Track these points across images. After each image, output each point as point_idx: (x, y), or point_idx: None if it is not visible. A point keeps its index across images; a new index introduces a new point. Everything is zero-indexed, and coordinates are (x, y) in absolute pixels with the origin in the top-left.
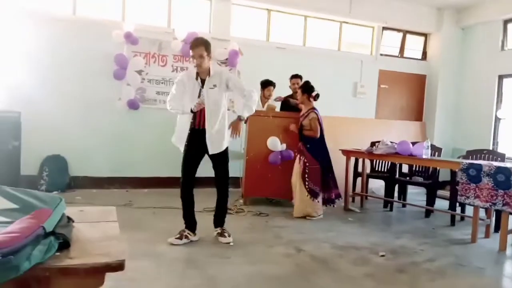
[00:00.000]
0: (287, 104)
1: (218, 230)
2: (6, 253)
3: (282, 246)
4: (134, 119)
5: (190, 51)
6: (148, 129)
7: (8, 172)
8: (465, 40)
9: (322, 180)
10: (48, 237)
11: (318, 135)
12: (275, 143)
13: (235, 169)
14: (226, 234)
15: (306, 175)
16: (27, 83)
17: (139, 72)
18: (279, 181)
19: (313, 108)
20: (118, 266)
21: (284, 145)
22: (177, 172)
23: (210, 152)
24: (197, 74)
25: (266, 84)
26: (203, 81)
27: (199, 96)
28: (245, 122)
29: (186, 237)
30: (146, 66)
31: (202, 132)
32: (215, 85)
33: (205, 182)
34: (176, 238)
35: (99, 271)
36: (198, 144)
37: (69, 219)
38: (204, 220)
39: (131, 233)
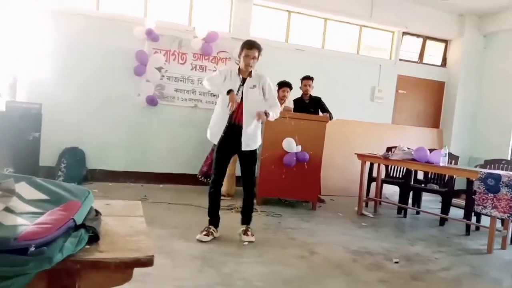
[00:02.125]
0: (300, 105)
1: (243, 227)
2: (40, 244)
3: (295, 247)
4: (152, 115)
5: (244, 50)
6: (165, 126)
7: (27, 162)
8: (487, 48)
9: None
10: (78, 229)
11: None
12: (291, 145)
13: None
14: (249, 233)
15: None
16: (49, 76)
17: (159, 69)
18: (293, 183)
19: None
20: (147, 262)
21: (300, 147)
22: (191, 169)
23: (243, 148)
24: (239, 71)
25: (281, 85)
26: (243, 80)
27: (237, 91)
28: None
29: (212, 233)
30: (166, 63)
31: (239, 128)
32: (254, 85)
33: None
34: (204, 235)
35: (129, 266)
36: (233, 140)
37: (97, 212)
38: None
39: (147, 228)
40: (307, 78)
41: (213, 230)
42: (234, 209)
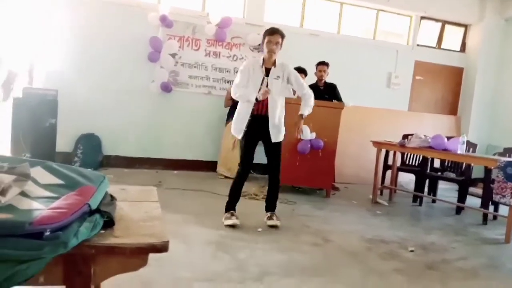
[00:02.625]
0: (315, 92)
1: (268, 214)
2: (55, 228)
3: (309, 235)
4: (166, 102)
5: (267, 36)
6: (180, 113)
7: (44, 148)
8: (508, 32)
9: None
10: (93, 214)
11: None
12: (305, 132)
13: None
14: (274, 218)
15: None
16: (64, 62)
17: (173, 55)
18: (307, 170)
19: None
20: (162, 248)
21: (314, 134)
22: (205, 156)
23: (273, 140)
24: (263, 62)
25: (297, 71)
26: (267, 71)
27: (261, 84)
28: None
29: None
30: (180, 50)
31: (264, 118)
32: (278, 76)
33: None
34: (236, 219)
35: (144, 251)
36: (258, 131)
37: (112, 197)
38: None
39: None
40: (322, 64)
41: (235, 214)
42: (247, 195)
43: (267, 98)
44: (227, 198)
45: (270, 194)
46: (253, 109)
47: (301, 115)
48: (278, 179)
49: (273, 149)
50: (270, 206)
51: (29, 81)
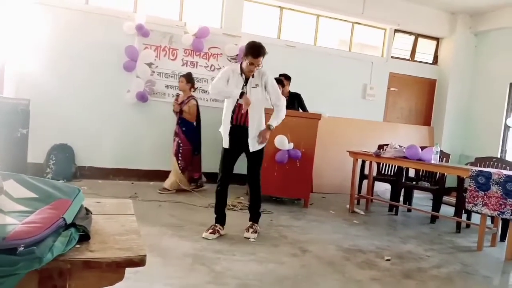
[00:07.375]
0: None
1: (249, 223)
2: (29, 243)
3: (287, 245)
4: (142, 112)
5: (249, 57)
6: (156, 123)
7: (15, 159)
8: (478, 46)
9: (191, 160)
10: (68, 228)
11: (195, 120)
12: (283, 142)
13: (242, 166)
14: (251, 230)
15: (180, 154)
16: (37, 71)
17: (149, 64)
18: (285, 180)
19: (192, 96)
20: (139, 262)
21: (292, 144)
22: None
23: (251, 150)
24: (241, 70)
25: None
26: (246, 79)
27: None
28: None
29: (218, 231)
30: (156, 59)
31: (243, 129)
32: (257, 85)
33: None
34: (210, 233)
35: (121, 265)
36: (240, 141)
37: (88, 210)
38: (210, 216)
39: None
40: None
41: (219, 228)
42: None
43: (247, 109)
44: (203, 210)
45: (251, 205)
46: (232, 117)
47: (269, 125)
48: (259, 190)
49: (252, 159)
50: (252, 217)
51: (0, 90)
